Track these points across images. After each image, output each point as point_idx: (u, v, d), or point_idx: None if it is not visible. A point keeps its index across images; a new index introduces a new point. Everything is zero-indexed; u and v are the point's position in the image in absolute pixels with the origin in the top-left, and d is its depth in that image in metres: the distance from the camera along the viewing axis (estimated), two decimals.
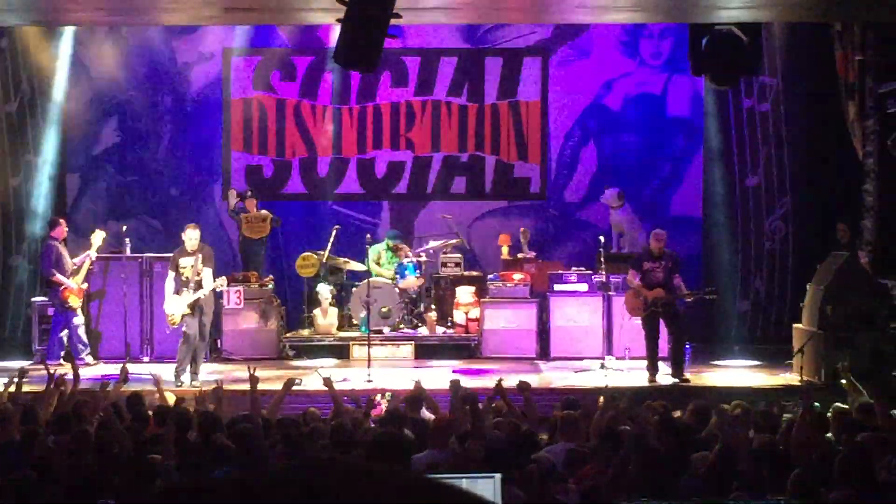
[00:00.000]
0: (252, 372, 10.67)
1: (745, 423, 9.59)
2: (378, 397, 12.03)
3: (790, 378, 15.35)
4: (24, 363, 15.75)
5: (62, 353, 16.90)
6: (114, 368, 14.12)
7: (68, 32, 19.14)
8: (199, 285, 15.20)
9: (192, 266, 15.25)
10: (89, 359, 16.84)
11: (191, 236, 15.39)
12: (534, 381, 15.36)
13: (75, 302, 16.95)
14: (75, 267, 17.10)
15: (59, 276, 16.93)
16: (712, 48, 12.93)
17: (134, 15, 14.83)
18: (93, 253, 17.16)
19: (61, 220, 17.55)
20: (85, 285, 17.15)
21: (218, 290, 15.64)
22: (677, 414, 10.61)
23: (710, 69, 13.35)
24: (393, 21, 10.86)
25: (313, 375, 15.35)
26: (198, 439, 9.43)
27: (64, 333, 17.11)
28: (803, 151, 18.99)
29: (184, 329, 15.29)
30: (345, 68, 12.60)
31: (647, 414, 10.13)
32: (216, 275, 15.55)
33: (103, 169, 19.81)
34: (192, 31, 19.51)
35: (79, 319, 17.02)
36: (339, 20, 11.01)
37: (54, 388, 11.41)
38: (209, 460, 8.59)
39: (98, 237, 17.22)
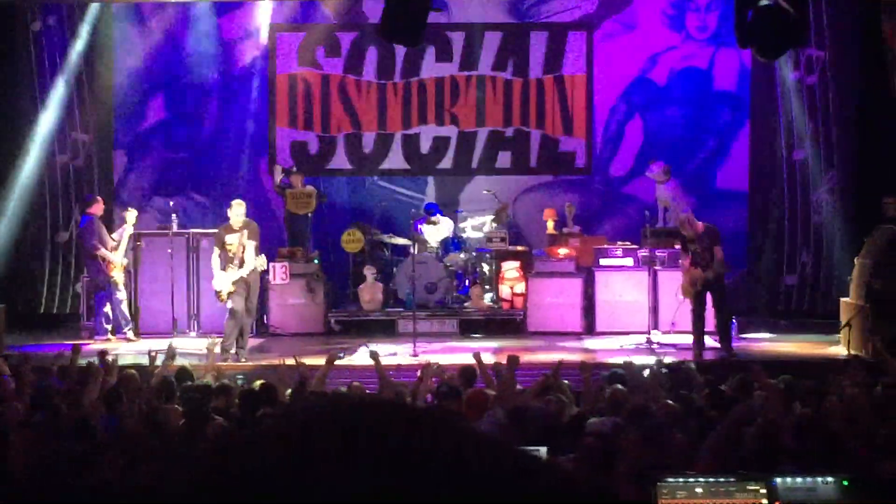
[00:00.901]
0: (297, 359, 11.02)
1: (789, 398, 9.56)
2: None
3: (837, 352, 15.27)
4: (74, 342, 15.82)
5: (109, 328, 17.05)
6: (160, 344, 14.19)
7: (116, 9, 19.23)
8: (243, 261, 15.26)
9: (237, 242, 15.30)
10: (131, 334, 16.96)
11: (237, 212, 15.43)
12: (580, 356, 15.42)
13: (119, 276, 17.05)
14: (115, 242, 17.19)
15: (103, 251, 17.03)
16: (758, 20, 12.84)
17: None
18: (129, 228, 17.24)
19: (98, 197, 17.65)
20: (125, 260, 17.23)
21: (259, 269, 15.67)
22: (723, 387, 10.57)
23: (756, 41, 13.25)
24: None
25: (358, 350, 15.44)
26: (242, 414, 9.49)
27: (108, 308, 17.23)
28: (850, 124, 18.85)
29: (230, 305, 15.35)
30: (389, 42, 12.61)
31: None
32: (262, 250, 15.58)
33: (150, 145, 19.92)
34: (238, 8, 19.57)
35: (121, 295, 17.12)
36: None
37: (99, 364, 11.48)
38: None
39: (132, 215, 17.31)
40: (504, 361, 11.13)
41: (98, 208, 17.40)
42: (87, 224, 17.38)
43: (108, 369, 11.32)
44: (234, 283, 15.22)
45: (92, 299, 17.65)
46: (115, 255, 17.09)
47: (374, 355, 11.36)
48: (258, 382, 10.64)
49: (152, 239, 17.71)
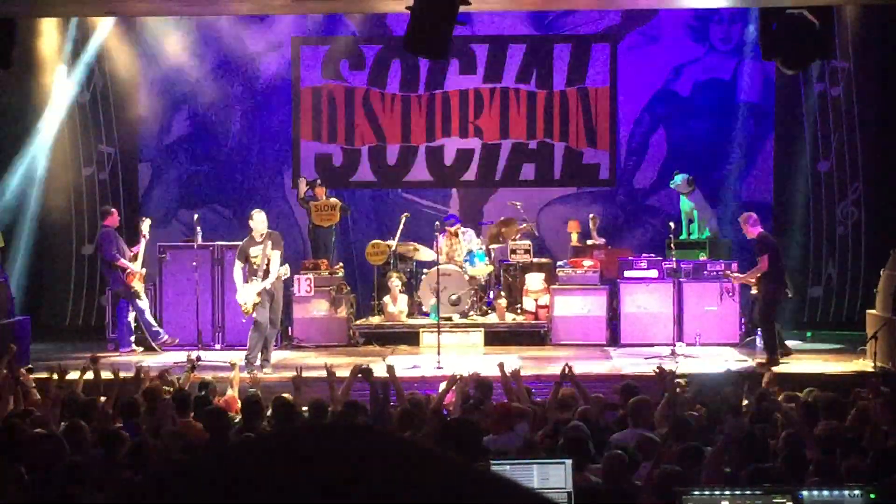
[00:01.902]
0: (328, 367, 11.04)
1: (814, 410, 9.52)
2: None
3: (863, 364, 15.19)
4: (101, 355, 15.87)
5: (132, 339, 17.11)
6: (182, 357, 14.25)
7: (139, 23, 19.32)
8: (267, 273, 15.27)
9: (261, 254, 15.32)
10: (165, 337, 17.04)
11: (258, 221, 15.42)
12: (604, 367, 15.41)
13: (139, 286, 17.09)
14: (133, 253, 17.24)
15: (123, 261, 17.07)
16: (783, 32, 12.83)
17: (203, 5, 14.94)
18: (146, 233, 17.28)
19: (113, 210, 17.63)
20: (143, 270, 17.27)
21: (283, 277, 15.70)
22: (745, 402, 10.54)
23: (781, 53, 13.24)
24: (462, 8, 10.87)
25: (382, 363, 15.44)
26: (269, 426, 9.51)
27: (132, 317, 17.29)
28: (875, 135, 18.80)
29: (255, 317, 15.37)
30: (415, 56, 12.63)
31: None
32: (285, 260, 15.61)
33: (174, 158, 20.00)
34: (261, 21, 19.63)
35: (143, 304, 17.17)
36: (408, 8, 11.02)
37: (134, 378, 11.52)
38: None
39: (146, 224, 17.34)
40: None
41: (113, 220, 17.40)
42: (104, 235, 17.43)
43: (136, 381, 11.36)
44: (258, 294, 15.24)
45: (115, 312, 17.70)
46: (135, 264, 17.14)
47: (389, 370, 11.37)
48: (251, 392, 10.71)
49: (177, 251, 17.76)
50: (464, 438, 7.68)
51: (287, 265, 15.75)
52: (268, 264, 15.25)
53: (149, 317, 17.21)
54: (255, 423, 9.50)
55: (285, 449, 1.41)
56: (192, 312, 17.16)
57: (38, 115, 19.00)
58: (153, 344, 16.96)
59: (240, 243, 15.83)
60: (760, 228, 15.76)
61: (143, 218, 17.61)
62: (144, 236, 17.26)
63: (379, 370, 11.33)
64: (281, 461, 1.38)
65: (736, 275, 16.66)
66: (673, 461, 7.56)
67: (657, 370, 11.43)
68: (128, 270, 17.07)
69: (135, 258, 17.19)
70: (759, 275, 15.63)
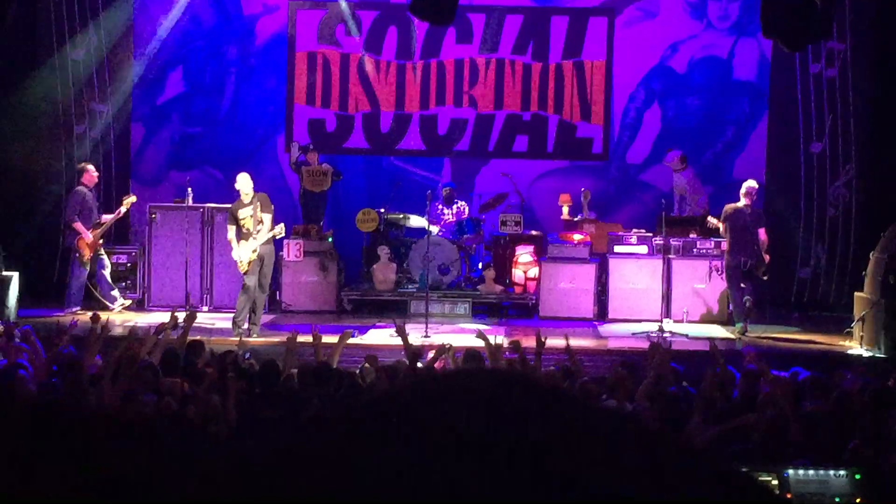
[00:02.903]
0: (315, 331, 11.01)
1: (800, 391, 9.55)
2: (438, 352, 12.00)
3: (850, 346, 15.24)
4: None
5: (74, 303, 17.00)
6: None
7: None
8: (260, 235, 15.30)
9: (250, 216, 15.32)
10: (116, 305, 17.01)
11: (243, 184, 15.46)
12: (591, 342, 15.44)
13: (86, 253, 16.99)
14: (98, 221, 17.17)
15: (78, 225, 16.99)
16: (784, 11, 12.80)
17: None
18: (122, 209, 17.24)
19: (89, 167, 17.55)
20: (101, 241, 17.21)
21: (277, 237, 15.71)
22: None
23: (782, 32, 13.22)
24: None
25: (369, 330, 15.45)
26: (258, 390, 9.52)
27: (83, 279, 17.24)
28: (869, 118, 18.79)
29: (244, 280, 15.39)
30: (421, 20, 12.56)
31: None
32: (277, 221, 15.60)
33: (168, 119, 19.93)
34: None
35: (82, 272, 17.10)
36: None
37: (97, 333, 11.42)
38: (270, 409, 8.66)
39: (129, 201, 17.30)
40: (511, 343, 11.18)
41: (89, 178, 17.34)
42: (73, 194, 17.40)
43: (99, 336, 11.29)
44: (253, 251, 15.26)
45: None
46: (93, 232, 17.03)
47: (400, 330, 11.35)
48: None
49: (167, 213, 17.73)
50: None
51: (282, 224, 15.72)
52: (260, 224, 15.27)
53: (82, 282, 17.12)
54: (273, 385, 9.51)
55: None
56: (181, 274, 17.15)
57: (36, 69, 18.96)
58: (110, 306, 16.88)
59: (229, 206, 15.85)
60: (745, 201, 16.43)
61: (131, 195, 17.54)
62: (120, 212, 17.20)
63: (373, 337, 11.33)
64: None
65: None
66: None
67: (653, 342, 11.46)
68: (79, 235, 16.99)
69: (97, 226, 17.11)
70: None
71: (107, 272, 17.25)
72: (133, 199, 17.40)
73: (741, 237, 16.36)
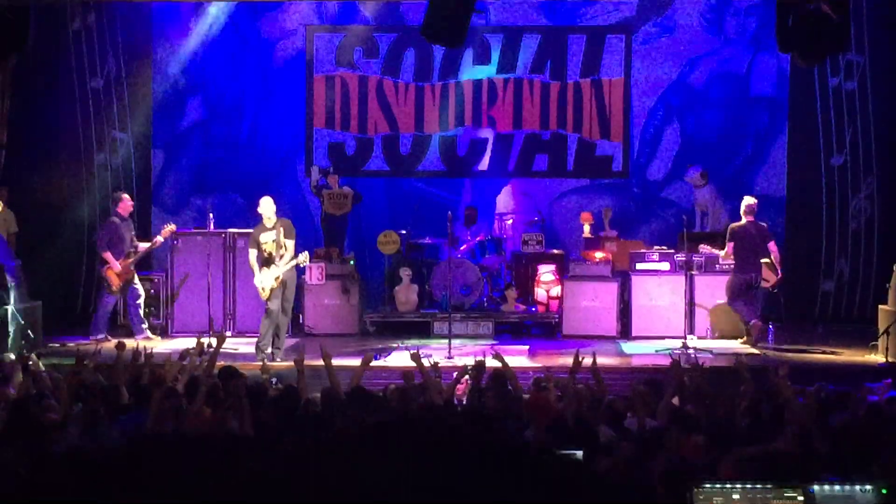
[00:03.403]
0: (323, 349, 11.00)
1: (825, 405, 9.51)
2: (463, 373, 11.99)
3: (875, 359, 15.17)
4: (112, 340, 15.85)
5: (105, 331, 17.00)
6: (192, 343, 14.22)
7: (155, 8, 19.33)
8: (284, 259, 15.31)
9: (273, 241, 15.33)
10: (149, 333, 17.00)
11: (266, 208, 15.44)
12: (614, 360, 15.41)
13: (114, 283, 16.96)
14: (133, 248, 17.14)
15: (107, 254, 16.97)
16: (800, 25, 12.79)
17: None
18: (160, 238, 17.18)
19: (125, 196, 17.45)
20: (129, 273, 17.12)
21: (301, 265, 15.75)
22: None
23: (798, 46, 13.20)
24: None
25: (392, 353, 15.43)
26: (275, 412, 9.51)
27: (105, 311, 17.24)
28: (889, 130, 18.74)
29: (267, 305, 15.40)
30: (432, 43, 12.60)
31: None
32: (298, 250, 15.60)
33: (188, 145, 20.00)
34: (276, 8, 19.62)
35: (110, 300, 17.09)
36: None
37: (131, 359, 11.47)
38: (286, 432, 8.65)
39: (168, 230, 17.22)
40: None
41: (125, 207, 17.27)
42: (105, 224, 17.40)
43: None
44: (276, 279, 15.27)
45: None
46: (123, 262, 17.01)
47: (414, 357, 11.32)
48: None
49: (189, 238, 17.76)
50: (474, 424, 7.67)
51: (307, 252, 15.74)
52: (283, 250, 15.28)
53: (108, 312, 17.12)
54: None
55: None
56: (204, 299, 17.18)
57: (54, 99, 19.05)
58: (136, 337, 16.87)
59: (251, 231, 15.87)
60: (749, 217, 16.53)
61: (170, 224, 17.42)
62: (157, 242, 17.16)
63: (396, 359, 11.32)
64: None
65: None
66: (688, 454, 7.55)
67: (674, 359, 11.43)
68: (107, 265, 17.00)
69: (131, 255, 17.08)
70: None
71: (140, 302, 17.20)
72: (172, 227, 17.28)
73: (749, 255, 16.41)
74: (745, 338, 16.36)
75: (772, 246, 16.51)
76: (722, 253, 16.69)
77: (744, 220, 16.50)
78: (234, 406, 9.12)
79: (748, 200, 16.71)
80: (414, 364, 11.08)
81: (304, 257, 15.59)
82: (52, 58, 19.05)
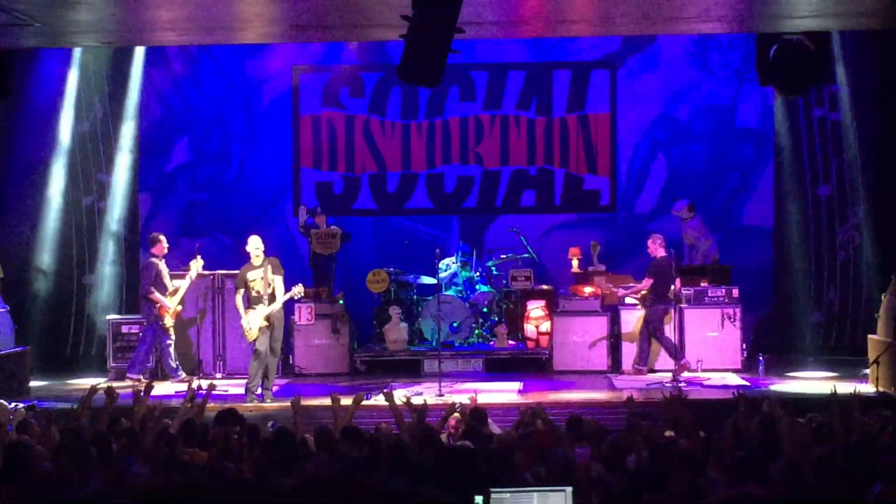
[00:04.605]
0: (333, 394, 11.00)
1: (817, 436, 9.48)
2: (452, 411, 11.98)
3: (866, 390, 15.14)
4: (99, 380, 15.77)
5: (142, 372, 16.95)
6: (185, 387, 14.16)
7: (139, 52, 19.35)
8: (272, 297, 15.24)
9: (261, 278, 15.29)
10: (182, 374, 16.91)
11: (254, 246, 15.40)
12: (605, 395, 15.38)
13: (169, 322, 16.96)
14: (173, 289, 17.08)
15: (156, 295, 16.93)
16: (780, 58, 12.83)
17: (203, 34, 14.92)
18: (193, 274, 17.09)
19: (161, 237, 17.36)
20: (179, 307, 17.15)
21: (295, 298, 15.69)
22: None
23: (778, 79, 13.24)
24: (456, 36, 10.85)
25: (382, 392, 15.38)
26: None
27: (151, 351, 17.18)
28: (875, 160, 18.78)
29: (255, 345, 15.36)
30: (408, 84, 12.62)
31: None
32: (287, 290, 15.55)
33: (175, 187, 20.00)
34: (261, 49, 19.66)
35: (170, 340, 17.06)
36: (402, 36, 11.01)
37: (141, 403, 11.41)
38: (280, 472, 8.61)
39: (198, 264, 17.15)
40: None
41: (160, 249, 17.23)
42: (144, 266, 17.37)
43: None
44: (265, 319, 15.21)
45: (118, 341, 17.68)
46: (171, 300, 17.00)
47: (388, 396, 11.34)
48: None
49: (177, 281, 17.69)
50: (461, 465, 7.64)
51: (300, 284, 15.64)
52: (271, 288, 15.24)
53: (173, 352, 17.06)
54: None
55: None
56: (194, 341, 17.14)
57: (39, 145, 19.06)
58: (171, 380, 16.82)
59: (237, 272, 15.80)
60: (664, 252, 16.87)
61: (198, 257, 17.35)
62: (191, 276, 17.09)
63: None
64: None
65: (615, 291, 17.60)
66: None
67: (664, 395, 11.39)
68: (159, 304, 16.95)
69: (174, 293, 17.05)
70: (641, 293, 17.19)
71: (171, 343, 17.14)
72: (200, 263, 17.24)
73: (666, 285, 16.79)
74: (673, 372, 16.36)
75: (678, 280, 16.98)
76: (642, 284, 17.17)
77: (661, 252, 16.89)
78: (234, 449, 9.09)
79: (657, 234, 17.21)
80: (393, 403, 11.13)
81: (298, 289, 15.50)
82: (37, 101, 19.03)
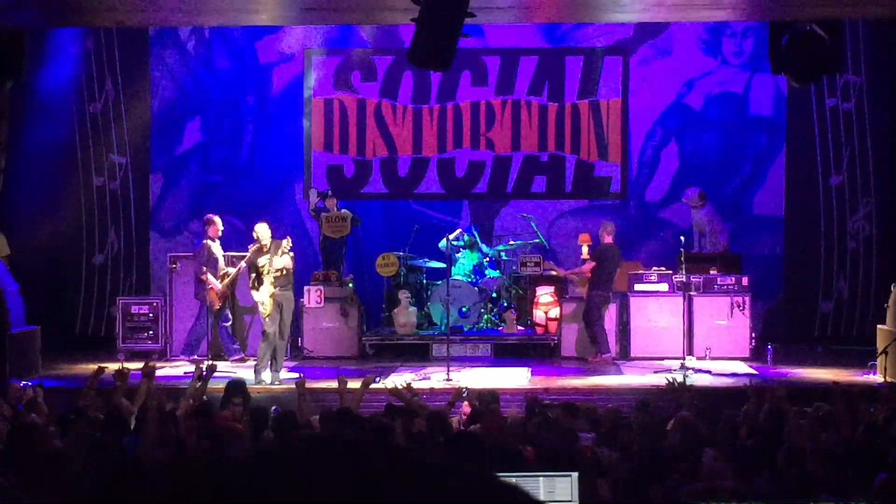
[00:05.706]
0: (340, 376, 11.01)
1: (823, 425, 9.49)
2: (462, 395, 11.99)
3: (874, 379, 15.14)
4: (112, 365, 15.79)
5: (235, 346, 17.06)
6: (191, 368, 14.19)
7: (153, 33, 19.37)
8: (278, 280, 15.31)
9: (269, 263, 15.32)
10: (241, 354, 16.96)
11: (261, 231, 15.45)
12: (614, 381, 15.40)
13: (216, 303, 16.92)
14: (224, 272, 17.04)
15: (208, 276, 16.91)
16: (792, 46, 12.80)
17: (215, 16, 14.94)
18: (243, 263, 17.03)
19: (215, 219, 17.25)
20: (227, 290, 17.07)
21: (286, 249, 15.50)
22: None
23: (790, 67, 13.21)
24: (468, 20, 10.85)
25: (391, 375, 15.42)
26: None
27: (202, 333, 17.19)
28: (887, 150, 18.76)
29: (264, 328, 15.40)
30: (419, 68, 12.61)
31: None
32: (297, 274, 15.55)
33: (186, 168, 20.02)
34: (274, 32, 19.64)
35: (227, 322, 17.09)
36: (413, 20, 11.01)
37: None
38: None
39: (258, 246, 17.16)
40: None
41: (214, 230, 17.18)
42: (198, 248, 17.34)
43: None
44: (271, 296, 15.26)
45: (128, 322, 17.69)
46: (222, 282, 16.95)
47: (365, 381, 11.37)
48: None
49: (187, 262, 17.72)
50: (467, 450, 7.67)
51: (288, 237, 15.58)
52: (277, 271, 15.30)
53: (228, 332, 17.12)
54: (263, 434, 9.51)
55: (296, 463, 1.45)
56: (203, 323, 17.16)
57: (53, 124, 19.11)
58: (229, 359, 16.81)
59: (247, 254, 15.83)
60: (611, 240, 17.25)
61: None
62: (242, 263, 16.99)
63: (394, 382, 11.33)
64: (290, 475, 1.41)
65: (558, 270, 17.93)
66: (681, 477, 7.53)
67: (669, 383, 11.41)
68: (209, 286, 16.94)
69: (225, 276, 17.01)
70: (579, 276, 17.51)
71: (228, 325, 17.17)
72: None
73: (608, 272, 17.08)
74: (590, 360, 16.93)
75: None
76: (582, 267, 17.44)
77: (609, 239, 17.20)
78: (234, 429, 9.13)
79: (608, 221, 17.59)
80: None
81: (286, 242, 15.46)
82: (49, 82, 19.08)
